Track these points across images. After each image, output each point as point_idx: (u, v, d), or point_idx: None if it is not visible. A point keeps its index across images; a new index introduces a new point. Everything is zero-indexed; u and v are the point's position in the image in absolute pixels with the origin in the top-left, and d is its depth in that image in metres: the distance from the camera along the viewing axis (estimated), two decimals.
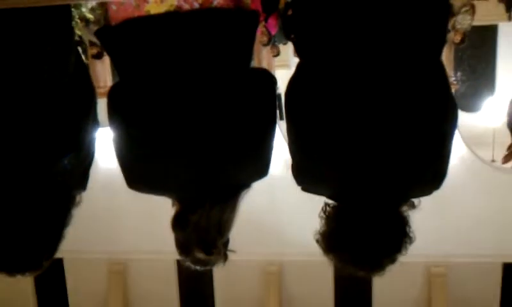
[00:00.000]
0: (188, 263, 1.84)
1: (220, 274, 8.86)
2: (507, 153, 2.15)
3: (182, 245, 1.80)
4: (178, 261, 7.28)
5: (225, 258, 1.83)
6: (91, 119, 1.76)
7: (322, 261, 1.73)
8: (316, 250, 1.72)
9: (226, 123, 1.64)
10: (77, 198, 1.77)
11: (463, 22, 7.38)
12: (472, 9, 7.37)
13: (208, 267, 1.85)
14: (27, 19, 1.51)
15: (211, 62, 1.60)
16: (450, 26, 7.16)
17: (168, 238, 1.84)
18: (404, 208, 1.68)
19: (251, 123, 1.68)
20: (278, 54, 9.13)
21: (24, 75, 1.55)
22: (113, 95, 1.73)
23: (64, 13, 1.65)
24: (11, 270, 1.68)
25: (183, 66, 1.59)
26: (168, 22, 1.59)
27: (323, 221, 1.71)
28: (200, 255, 1.77)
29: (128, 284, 9.56)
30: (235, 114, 1.65)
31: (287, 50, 8.91)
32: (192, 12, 1.59)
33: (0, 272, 1.68)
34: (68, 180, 1.69)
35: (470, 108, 11.28)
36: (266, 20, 6.82)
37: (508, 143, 2.47)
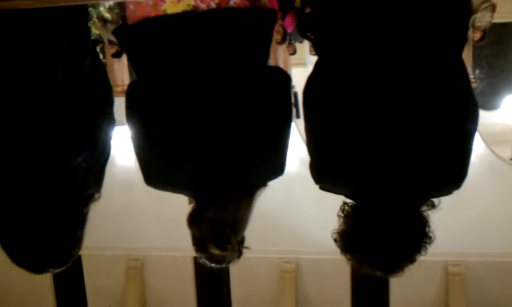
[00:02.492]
0: (204, 260, 1.85)
1: (236, 271, 8.87)
2: None
3: (198, 242, 1.81)
4: (195, 258, 7.32)
5: (240, 254, 1.83)
6: (107, 118, 1.78)
7: (338, 259, 1.72)
8: (332, 248, 1.72)
9: (242, 121, 1.65)
10: (96, 195, 1.79)
11: (482, 19, 7.28)
12: (492, 6, 7.28)
13: (223, 264, 1.85)
14: (43, 19, 1.52)
15: (228, 62, 1.61)
16: (469, 23, 7.07)
17: (185, 236, 1.85)
18: (424, 207, 1.66)
19: (266, 122, 1.68)
20: (294, 53, 9.11)
21: (39, 74, 1.56)
22: (131, 94, 1.75)
23: (81, 13, 1.66)
24: (32, 268, 1.71)
25: (200, 66, 1.59)
26: (185, 21, 1.59)
27: (341, 220, 1.69)
28: (215, 251, 1.78)
29: (145, 281, 9.62)
30: (251, 113, 1.65)
31: (303, 48, 8.89)
32: (209, 12, 1.60)
33: (22, 269, 1.70)
34: (83, 177, 1.70)
35: (488, 106, 11.16)
36: (283, 19, 6.81)
37: None
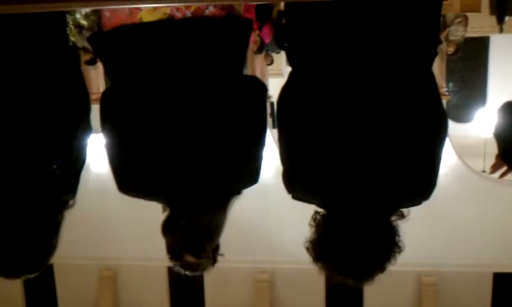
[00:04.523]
0: (178, 268, 1.84)
1: (211, 281, 8.84)
2: (495, 162, 2.16)
3: (172, 250, 1.81)
4: (169, 268, 7.27)
5: (214, 262, 1.83)
6: (83, 125, 1.77)
7: (313, 269, 1.73)
8: (307, 258, 1.73)
9: (217, 129, 1.65)
10: (70, 202, 1.78)
11: (456, 33, 7.43)
12: (465, 21, 7.43)
13: (198, 272, 1.85)
14: (21, 25, 1.51)
15: (203, 70, 1.61)
16: (443, 37, 7.20)
17: (159, 245, 1.84)
18: (394, 217, 1.69)
19: (241, 130, 1.69)
20: (271, 63, 9.15)
21: (16, 79, 1.55)
22: (105, 101, 1.74)
23: (59, 20, 1.65)
24: (4, 273, 1.69)
25: (175, 73, 1.60)
26: (161, 29, 1.59)
27: (313, 229, 1.71)
28: (190, 259, 1.77)
29: (118, 291, 9.52)
30: (226, 121, 1.66)
31: (281, 59, 8.93)
32: (184, 20, 1.60)
33: None
34: (58, 184, 1.69)
35: (461, 118, 11.36)
36: (260, 29, 6.84)
37: None
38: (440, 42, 1.68)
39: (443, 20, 7.11)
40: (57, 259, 1.79)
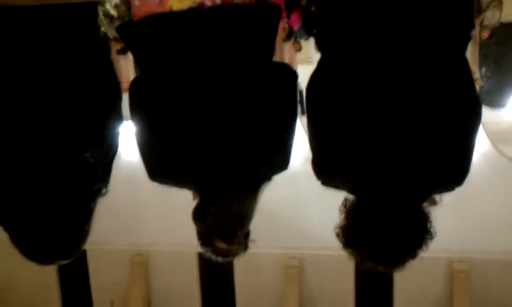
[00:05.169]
0: (209, 254, 1.86)
1: (241, 267, 8.88)
2: None
3: (203, 237, 1.83)
4: (199, 254, 7.33)
5: (246, 248, 1.85)
6: (114, 114, 1.79)
7: (342, 255, 1.73)
8: (336, 244, 1.72)
9: (247, 116, 1.66)
10: (103, 190, 1.81)
11: (491, 18, 7.28)
12: (500, 5, 7.26)
13: (229, 258, 1.87)
14: (52, 16, 1.53)
15: (233, 58, 1.62)
16: (478, 22, 7.06)
17: (190, 231, 1.86)
18: (426, 203, 1.67)
19: (271, 117, 1.69)
20: (299, 50, 9.10)
21: (48, 70, 1.58)
22: (134, 89, 1.76)
23: (90, 11, 1.67)
24: (39, 259, 1.73)
25: (205, 61, 1.60)
26: (191, 18, 1.60)
27: (343, 215, 1.71)
28: (221, 245, 1.79)
29: (150, 276, 9.64)
30: (256, 108, 1.66)
31: (309, 46, 8.87)
32: (214, 8, 1.61)
33: (30, 261, 1.72)
34: (91, 173, 1.72)
35: (494, 104, 11.13)
36: (289, 16, 6.79)
37: None
38: (473, 27, 1.66)
39: (478, 5, 6.97)
40: (90, 245, 1.82)
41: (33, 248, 1.69)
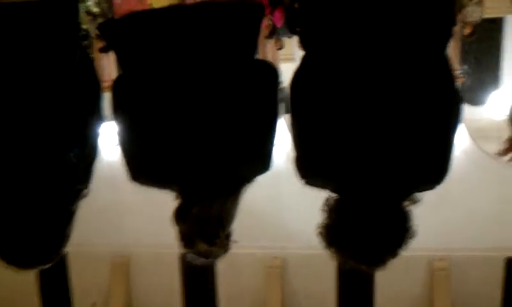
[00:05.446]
0: (191, 256, 1.84)
1: (223, 267, 8.86)
2: (506, 146, 2.14)
3: (185, 238, 1.81)
4: (181, 255, 7.29)
5: (227, 248, 1.84)
6: (96, 114, 1.77)
7: (325, 255, 1.72)
8: (319, 243, 1.72)
9: (228, 115, 1.65)
10: (84, 192, 1.78)
11: (473, 14, 7.34)
12: (481, 1, 7.33)
13: (210, 259, 1.85)
14: (31, 12, 1.51)
15: (215, 55, 1.61)
16: (459, 19, 7.12)
17: (171, 232, 1.84)
18: (406, 202, 1.68)
19: (253, 116, 1.69)
20: (281, 48, 9.10)
21: (26, 69, 1.55)
22: (117, 89, 1.74)
23: (70, 7, 1.64)
24: (20, 264, 1.70)
25: (186, 59, 1.59)
26: (172, 15, 1.58)
27: (325, 214, 1.71)
28: (203, 246, 1.78)
29: (131, 277, 9.58)
30: (238, 107, 1.65)
31: (292, 43, 8.87)
32: (196, 5, 1.59)
33: (9, 266, 1.69)
34: (72, 174, 1.70)
35: (475, 101, 11.23)
36: (272, 14, 6.79)
37: None
38: (455, 23, 1.67)
39: (459, 1, 7.03)
40: (70, 247, 1.80)
41: (13, 253, 1.66)
